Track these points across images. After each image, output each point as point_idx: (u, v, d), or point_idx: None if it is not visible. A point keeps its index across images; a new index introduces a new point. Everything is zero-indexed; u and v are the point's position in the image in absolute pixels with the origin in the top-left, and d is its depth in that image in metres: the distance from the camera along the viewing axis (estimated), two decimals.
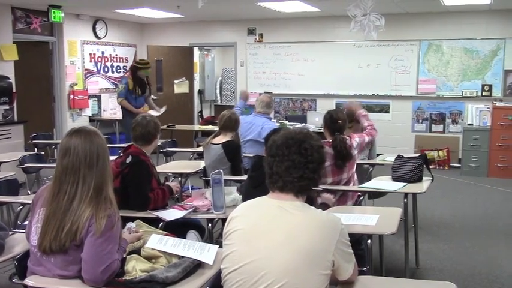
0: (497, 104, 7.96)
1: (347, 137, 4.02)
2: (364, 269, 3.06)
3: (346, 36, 8.35)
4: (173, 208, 3.32)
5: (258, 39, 9.81)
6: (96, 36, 9.51)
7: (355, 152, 4.02)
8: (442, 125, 8.75)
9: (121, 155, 3.60)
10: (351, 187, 4.02)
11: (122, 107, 7.66)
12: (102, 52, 9.66)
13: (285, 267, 1.80)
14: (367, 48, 8.97)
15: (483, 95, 8.38)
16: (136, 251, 2.38)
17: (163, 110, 7.68)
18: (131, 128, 3.61)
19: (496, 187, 7.13)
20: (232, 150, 4.54)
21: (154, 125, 3.62)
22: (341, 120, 4.03)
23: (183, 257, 2.27)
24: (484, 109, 8.17)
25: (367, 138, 4.27)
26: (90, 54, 9.40)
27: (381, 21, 5.96)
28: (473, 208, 6.11)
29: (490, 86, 8.35)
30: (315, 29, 9.31)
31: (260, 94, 9.69)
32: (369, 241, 2.94)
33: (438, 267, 4.25)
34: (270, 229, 1.88)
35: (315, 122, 7.81)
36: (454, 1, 7.35)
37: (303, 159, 1.92)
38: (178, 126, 8.55)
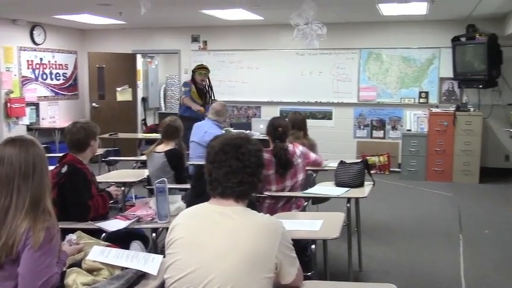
0: (433, 111, 8.29)
1: (288, 145, 4.06)
2: (309, 273, 3.09)
3: (290, 45, 8.47)
4: (116, 218, 3.25)
5: (202, 46, 9.79)
6: (34, 43, 9.20)
7: (298, 160, 4.05)
8: (382, 131, 9.03)
9: (57, 165, 3.49)
10: (294, 193, 4.06)
11: (179, 113, 7.41)
12: (41, 59, 9.35)
13: (229, 273, 1.81)
14: (310, 57, 9.13)
15: (420, 101, 8.71)
16: (77, 264, 2.31)
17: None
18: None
19: (434, 190, 7.41)
20: (175, 158, 4.49)
21: (85, 131, 3.48)
22: (282, 128, 4.05)
23: (127, 268, 2.22)
24: (421, 115, 8.50)
25: (312, 156, 4.36)
26: (28, 61, 9.08)
27: (322, 30, 6.07)
28: (413, 211, 6.32)
29: (427, 93, 8.69)
30: (258, 37, 9.40)
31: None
32: (313, 246, 2.98)
33: (380, 269, 4.37)
34: (212, 236, 1.88)
35: (259, 129, 7.85)
36: (391, 11, 7.61)
37: (241, 164, 1.93)
38: (121, 135, 8.38)
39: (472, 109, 8.20)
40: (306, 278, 3.07)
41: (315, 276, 3.10)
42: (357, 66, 8.99)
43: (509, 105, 8.28)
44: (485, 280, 4.16)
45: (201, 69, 7.43)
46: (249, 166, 1.94)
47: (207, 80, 7.56)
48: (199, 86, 7.37)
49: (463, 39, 8.14)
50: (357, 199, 4.16)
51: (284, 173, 3.96)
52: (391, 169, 8.76)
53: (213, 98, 7.57)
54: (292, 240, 2.58)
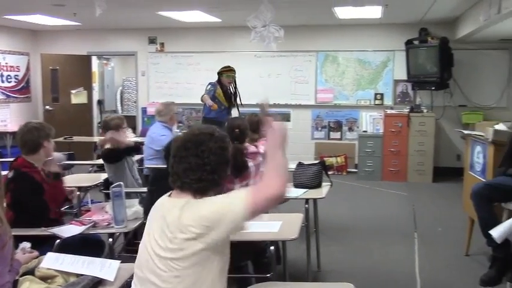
0: (388, 112, 8.48)
1: (250, 146, 4.04)
2: (268, 275, 3.11)
3: (247, 47, 8.49)
4: (71, 224, 3.17)
5: (159, 48, 9.69)
6: None
7: (260, 159, 4.03)
8: (339, 133, 9.17)
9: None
10: None
11: (203, 114, 7.22)
12: None
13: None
14: (268, 59, 9.19)
15: (376, 103, 8.90)
16: (31, 272, 2.25)
17: None
18: None
19: (390, 190, 7.58)
20: (107, 159, 4.49)
21: (38, 132, 3.34)
22: (238, 129, 3.97)
23: (82, 275, 2.18)
24: (376, 117, 8.67)
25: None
26: None
27: (280, 32, 6.12)
28: (370, 211, 6.44)
29: (382, 94, 8.89)
30: (216, 39, 9.39)
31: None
32: (272, 247, 2.99)
33: (338, 268, 4.43)
34: (155, 225, 1.95)
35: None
36: (347, 15, 7.74)
37: (200, 161, 1.93)
38: (76, 138, 8.18)
39: (425, 110, 8.44)
40: (265, 279, 3.09)
41: (274, 277, 3.12)
42: (314, 68, 9.10)
43: (460, 106, 8.57)
44: (439, 276, 4.28)
45: (229, 72, 7.10)
46: (208, 164, 1.93)
47: (234, 82, 7.23)
48: (225, 88, 7.07)
49: (416, 42, 8.37)
50: (315, 200, 4.21)
51: (238, 175, 3.93)
52: (348, 170, 8.91)
53: (239, 101, 7.26)
54: (251, 242, 2.59)
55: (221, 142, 2.00)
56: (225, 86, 7.01)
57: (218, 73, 7.18)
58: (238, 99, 7.17)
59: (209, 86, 7.04)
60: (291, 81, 9.21)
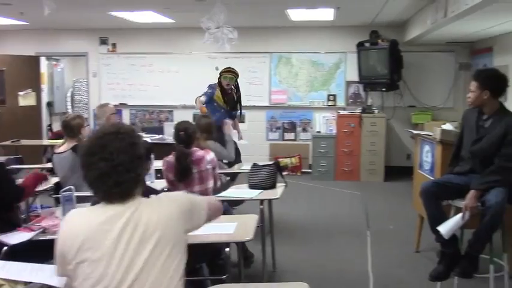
0: (341, 113, 8.63)
1: (197, 150, 3.98)
2: (223, 277, 3.10)
3: (201, 48, 8.42)
4: (19, 230, 3.06)
5: (111, 49, 9.51)
6: None
7: (207, 166, 3.98)
8: (293, 133, 9.26)
9: None
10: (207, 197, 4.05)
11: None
12: None
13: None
14: (222, 60, 9.14)
15: (329, 104, 9.04)
16: None
17: (243, 141, 6.67)
18: None
19: (343, 189, 7.71)
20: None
21: None
22: (184, 132, 3.93)
23: (30, 282, 2.11)
24: (330, 117, 8.81)
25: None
26: None
27: (233, 33, 6.13)
28: (324, 210, 6.53)
29: (335, 96, 9.04)
30: (170, 40, 9.30)
31: (115, 106, 9.44)
32: (227, 249, 2.98)
33: (294, 268, 4.47)
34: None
35: (172, 134, 7.74)
36: (300, 17, 7.84)
37: (110, 163, 1.79)
38: (24, 141, 7.90)
39: (376, 111, 8.63)
40: (220, 281, 3.08)
41: (229, 278, 3.11)
42: (268, 70, 9.16)
43: (410, 107, 8.82)
44: (391, 273, 4.39)
45: (226, 73, 6.51)
46: (120, 164, 1.80)
47: (236, 85, 6.62)
48: (227, 91, 6.48)
49: (367, 44, 8.55)
50: (269, 200, 4.23)
51: (182, 179, 3.86)
52: (303, 170, 9.01)
53: (239, 107, 6.72)
54: (206, 244, 2.58)
55: (129, 138, 1.87)
56: (224, 88, 6.44)
57: (219, 74, 6.69)
58: (239, 102, 6.69)
59: (208, 88, 6.58)
60: (245, 82, 9.16)
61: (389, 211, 6.51)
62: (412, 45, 8.47)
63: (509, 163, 3.43)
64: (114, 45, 9.50)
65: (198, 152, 3.98)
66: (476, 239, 3.41)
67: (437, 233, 3.49)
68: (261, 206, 4.04)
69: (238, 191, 4.22)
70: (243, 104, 6.87)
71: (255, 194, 4.04)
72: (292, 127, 9.27)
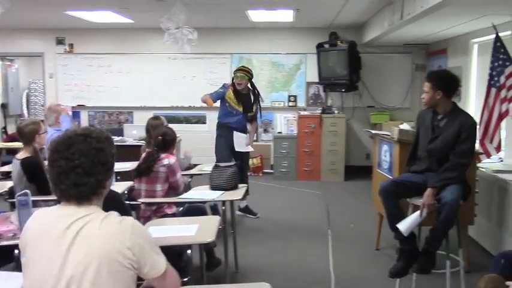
0: (301, 113, 8.70)
1: (161, 154, 4.08)
2: (185, 279, 3.07)
3: (161, 49, 8.37)
4: None
5: (68, 49, 9.30)
6: None
7: (160, 169, 4.04)
8: (255, 134, 9.25)
9: None
10: (169, 199, 4.02)
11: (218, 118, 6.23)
12: None
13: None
14: (182, 61, 9.11)
15: (289, 105, 9.11)
16: None
17: (249, 149, 6.21)
18: None
19: (304, 189, 7.77)
20: (29, 168, 3.93)
21: None
22: (162, 137, 4.14)
23: None
24: (290, 118, 8.86)
25: (177, 177, 4.16)
26: None
27: (193, 34, 6.10)
28: (286, 210, 6.57)
29: (295, 96, 9.11)
30: (129, 40, 9.17)
31: (73, 107, 9.25)
32: (189, 251, 2.96)
33: (256, 269, 4.48)
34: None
35: (132, 135, 7.66)
36: (260, 18, 7.86)
37: (71, 163, 1.80)
38: None
39: (336, 111, 8.75)
40: (183, 284, 3.05)
41: (191, 281, 3.09)
42: (229, 70, 9.13)
43: (369, 107, 8.98)
44: (352, 271, 4.45)
45: (238, 71, 5.99)
46: (79, 166, 1.80)
47: (251, 85, 6.07)
48: (240, 91, 5.96)
49: (326, 45, 8.66)
50: (231, 201, 4.22)
51: (137, 176, 4.04)
52: (265, 170, 9.04)
53: (255, 109, 6.13)
54: (167, 247, 2.54)
55: (96, 143, 1.86)
56: (237, 88, 5.92)
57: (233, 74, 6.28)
58: (256, 104, 6.12)
59: (220, 87, 6.16)
60: (206, 83, 9.17)
61: (350, 210, 6.61)
62: (370, 47, 8.64)
63: (463, 160, 3.54)
64: (71, 45, 9.29)
65: (161, 154, 4.04)
66: (433, 236, 3.50)
67: (396, 230, 3.57)
68: (223, 207, 4.03)
69: (199, 193, 4.20)
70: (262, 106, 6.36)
71: (216, 195, 4.03)
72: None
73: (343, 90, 8.61)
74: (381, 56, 8.91)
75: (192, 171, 5.29)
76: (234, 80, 5.95)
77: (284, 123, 8.89)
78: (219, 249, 4.12)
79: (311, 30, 8.90)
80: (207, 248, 3.96)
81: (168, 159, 4.04)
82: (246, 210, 6.14)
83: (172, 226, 3.19)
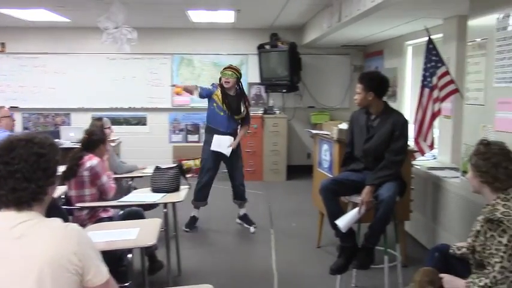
0: None
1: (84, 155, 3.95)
2: (126, 284, 3.01)
3: (100, 49, 8.16)
4: None
5: (0, 49, 8.89)
6: None
7: (84, 173, 3.91)
8: (197, 135, 9.22)
9: None
10: (107, 202, 3.93)
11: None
12: None
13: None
14: (122, 61, 8.93)
15: None
16: None
17: (226, 150, 5.64)
18: None
19: (247, 189, 7.71)
20: None
21: None
22: (88, 136, 4.05)
23: None
24: None
25: (103, 180, 4.00)
26: None
27: (133, 34, 5.99)
28: (229, 211, 6.54)
29: None
30: (66, 40, 8.88)
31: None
32: (129, 255, 2.90)
33: (199, 271, 4.45)
34: None
35: (69, 137, 7.43)
36: (201, 19, 7.82)
37: (10, 168, 1.76)
38: None
39: (277, 112, 8.84)
40: None
41: (132, 286, 3.03)
42: (170, 71, 9.05)
43: (309, 107, 9.13)
44: (294, 269, 4.51)
45: (226, 69, 5.63)
46: (19, 171, 1.76)
47: (238, 86, 5.68)
48: (227, 91, 5.57)
49: (267, 46, 8.73)
50: (173, 203, 4.18)
51: (65, 179, 3.92)
52: None
53: (243, 110, 5.67)
54: (107, 251, 2.48)
55: (38, 148, 1.83)
56: (225, 88, 5.55)
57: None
58: (243, 107, 5.67)
59: (211, 86, 5.78)
60: (146, 84, 9.05)
61: (292, 209, 6.69)
62: (310, 48, 8.78)
63: (397, 157, 3.67)
64: (3, 44, 8.89)
65: (85, 156, 3.93)
66: (372, 232, 3.60)
67: (336, 228, 3.64)
68: (165, 210, 3.98)
69: (140, 195, 4.13)
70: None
71: (158, 197, 3.97)
72: (195, 129, 9.23)
73: (284, 91, 8.71)
74: (321, 57, 9.08)
75: (133, 174, 5.19)
76: (221, 79, 5.57)
77: None
78: (161, 252, 4.06)
79: (252, 31, 8.95)
80: (148, 252, 3.90)
81: (90, 161, 3.92)
82: (244, 218, 5.86)
83: (112, 230, 3.12)
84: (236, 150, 5.69)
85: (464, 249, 2.72)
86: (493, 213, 2.41)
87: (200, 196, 5.71)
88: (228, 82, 5.52)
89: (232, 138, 5.64)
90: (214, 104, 5.57)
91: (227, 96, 5.55)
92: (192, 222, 5.71)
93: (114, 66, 8.95)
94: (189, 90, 5.65)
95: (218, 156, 5.64)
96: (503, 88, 3.48)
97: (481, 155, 2.56)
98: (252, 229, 5.67)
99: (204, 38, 9.02)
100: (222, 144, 5.60)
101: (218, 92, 5.56)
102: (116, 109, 8.99)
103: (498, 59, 3.53)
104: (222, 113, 5.56)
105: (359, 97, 3.75)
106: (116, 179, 4.42)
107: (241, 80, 5.71)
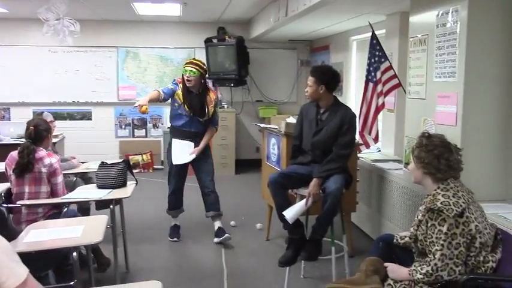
0: None
1: (41, 149, 3.81)
2: (71, 283, 2.94)
3: (41, 41, 7.88)
4: None
5: None
6: None
7: (42, 169, 3.77)
8: (144, 130, 9.08)
9: None
10: (53, 200, 3.81)
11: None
12: None
13: None
14: (65, 54, 8.66)
15: None
16: None
17: (186, 159, 5.06)
18: None
19: (196, 184, 7.68)
20: None
21: None
22: (33, 127, 3.86)
23: None
24: None
25: (58, 180, 3.86)
26: None
27: (75, 26, 5.82)
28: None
29: None
30: (3, 32, 8.51)
31: None
32: (74, 254, 2.83)
33: (148, 267, 4.39)
34: None
35: (9, 133, 7.14)
36: (147, 11, 7.69)
37: None
38: None
39: (226, 106, 8.82)
40: (69, 287, 2.93)
41: (78, 284, 2.96)
42: (115, 65, 8.86)
43: (257, 101, 9.17)
44: (244, 263, 4.53)
45: (187, 65, 4.90)
46: None
47: (202, 83, 4.98)
48: (191, 90, 4.91)
49: (214, 40, 8.69)
50: (120, 200, 4.10)
51: (20, 175, 3.73)
52: (155, 167, 8.89)
53: (208, 111, 5.01)
54: (51, 250, 2.41)
55: None
56: (187, 85, 4.89)
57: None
58: (208, 105, 5.00)
59: (171, 84, 5.07)
60: (91, 78, 8.82)
61: (241, 203, 6.71)
62: (258, 42, 8.81)
63: (345, 151, 3.74)
64: None
65: (41, 152, 3.79)
66: (319, 224, 3.66)
67: (284, 220, 3.68)
68: (111, 206, 3.90)
69: (85, 192, 4.03)
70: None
71: (104, 193, 3.89)
72: (142, 123, 9.09)
73: (232, 85, 8.70)
74: (268, 52, 9.13)
75: (77, 170, 5.05)
76: (183, 76, 4.89)
77: None
78: (108, 249, 3.98)
79: (199, 24, 8.88)
80: (94, 249, 3.81)
81: (50, 158, 3.80)
82: (220, 233, 5.04)
83: (56, 228, 3.03)
84: (204, 152, 5.11)
85: (407, 239, 2.81)
86: (434, 203, 2.50)
87: (172, 204, 5.28)
88: (190, 81, 4.83)
89: (191, 143, 5.04)
90: (176, 104, 4.98)
91: (190, 96, 4.90)
92: (175, 232, 5.21)
93: (57, 59, 8.67)
94: (153, 99, 4.90)
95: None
96: (442, 82, 3.61)
97: (424, 147, 2.65)
98: (226, 236, 4.96)
99: (150, 31, 8.87)
100: (184, 152, 5.04)
101: (179, 90, 4.92)
102: (59, 103, 8.71)
103: (438, 54, 3.66)
104: (184, 114, 4.95)
105: (310, 90, 3.80)
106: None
107: (206, 75, 5.04)
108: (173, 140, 5.11)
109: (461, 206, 2.46)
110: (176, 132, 5.09)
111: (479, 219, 2.51)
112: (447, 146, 2.64)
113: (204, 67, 4.99)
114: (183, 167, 5.14)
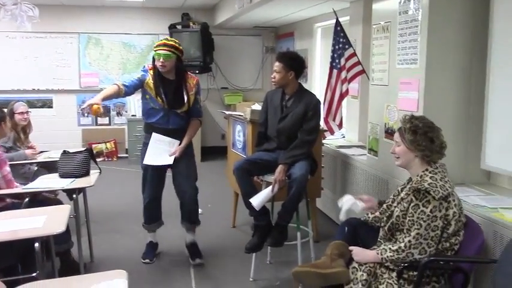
0: None
1: None
2: (34, 274, 2.88)
3: None
4: None
5: None
6: None
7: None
8: (107, 118, 8.93)
9: None
10: (11, 190, 3.71)
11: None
12: None
13: None
14: (23, 40, 8.41)
15: None
16: None
17: (167, 161, 4.21)
18: None
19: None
20: None
21: None
22: None
23: None
24: None
25: (5, 171, 3.62)
26: None
27: (34, 11, 5.64)
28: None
29: None
30: None
31: None
32: (36, 244, 2.77)
33: (113, 257, 4.35)
34: None
35: None
36: None
37: None
38: None
39: None
40: (32, 279, 2.87)
41: (41, 276, 2.90)
42: (77, 51, 8.66)
43: (223, 88, 9.13)
44: (210, 250, 4.53)
45: (158, 47, 4.02)
46: None
47: (179, 67, 4.12)
48: (164, 76, 4.08)
49: (179, 27, 8.59)
50: (83, 189, 4.03)
51: None
52: (119, 155, 8.77)
53: (187, 101, 4.14)
54: (14, 241, 2.36)
55: None
56: (159, 72, 4.06)
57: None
58: (188, 93, 4.14)
59: (141, 69, 4.28)
60: (51, 64, 8.60)
61: (207, 190, 6.65)
62: (223, 29, 8.75)
63: (310, 137, 3.77)
64: None
65: None
66: (285, 210, 3.69)
67: (250, 207, 3.69)
68: (74, 196, 3.83)
69: (47, 181, 3.93)
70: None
71: (66, 183, 3.81)
72: (106, 111, 8.93)
73: (197, 71, 8.60)
74: (233, 38, 9.08)
75: (38, 159, 4.93)
76: (155, 61, 4.04)
77: (138, 106, 8.64)
78: (72, 239, 3.92)
79: (163, 10, 8.75)
80: (62, 250, 3.74)
81: None
82: (192, 248, 4.37)
83: (17, 219, 2.95)
84: (187, 151, 4.32)
85: (377, 213, 2.86)
86: (421, 184, 2.53)
87: (148, 216, 4.44)
88: (164, 66, 3.99)
89: (175, 141, 4.23)
90: (147, 96, 4.12)
91: (162, 84, 4.06)
92: (150, 251, 4.37)
93: (15, 45, 8.41)
94: (110, 95, 4.15)
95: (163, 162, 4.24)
96: (404, 69, 3.67)
97: (420, 129, 2.63)
98: (197, 261, 4.24)
99: (112, 17, 8.69)
100: (163, 151, 4.22)
101: (149, 79, 4.09)
102: (19, 91, 8.47)
103: (400, 41, 3.71)
104: (157, 108, 4.11)
105: (278, 76, 3.78)
106: (13, 165, 4.16)
107: (182, 58, 4.13)
108: (152, 134, 4.17)
109: (447, 189, 2.51)
110: (151, 130, 4.20)
111: (458, 207, 2.56)
112: (436, 127, 2.67)
113: (180, 48, 4.11)
114: (161, 170, 4.26)
